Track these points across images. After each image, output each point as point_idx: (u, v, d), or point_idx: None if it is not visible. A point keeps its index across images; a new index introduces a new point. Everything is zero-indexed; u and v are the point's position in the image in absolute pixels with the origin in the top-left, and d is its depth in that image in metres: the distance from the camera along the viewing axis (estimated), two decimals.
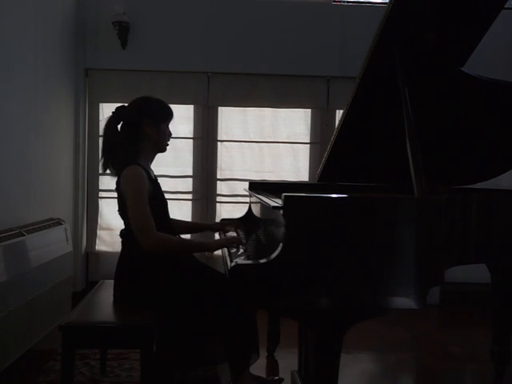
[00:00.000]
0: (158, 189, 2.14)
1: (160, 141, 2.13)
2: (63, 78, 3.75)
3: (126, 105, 2.13)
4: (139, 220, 1.92)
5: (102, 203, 4.11)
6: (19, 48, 2.98)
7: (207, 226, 2.64)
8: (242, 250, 2.00)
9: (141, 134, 2.08)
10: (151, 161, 2.18)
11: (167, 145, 2.19)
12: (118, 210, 2.09)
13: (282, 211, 1.61)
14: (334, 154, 2.47)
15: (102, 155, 2.09)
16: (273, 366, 2.74)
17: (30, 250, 2.66)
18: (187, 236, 2.92)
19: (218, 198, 4.15)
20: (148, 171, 2.07)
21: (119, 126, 2.10)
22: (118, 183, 2.04)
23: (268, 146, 4.16)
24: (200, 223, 2.77)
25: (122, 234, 2.11)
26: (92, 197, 4.10)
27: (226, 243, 2.05)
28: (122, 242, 2.11)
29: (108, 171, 2.11)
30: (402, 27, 1.92)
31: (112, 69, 4.02)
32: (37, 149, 3.25)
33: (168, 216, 2.20)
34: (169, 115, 2.16)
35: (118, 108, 2.11)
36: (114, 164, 2.07)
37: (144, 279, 2.00)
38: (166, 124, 2.15)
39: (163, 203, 2.15)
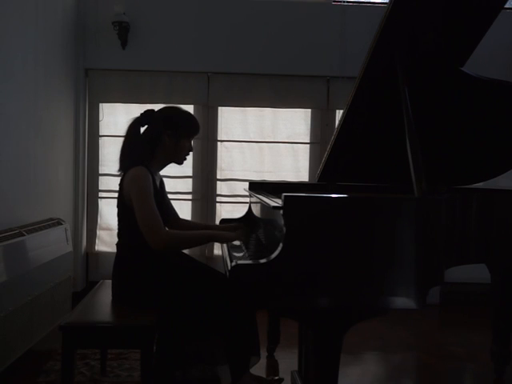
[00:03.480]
0: (158, 196, 2.14)
1: (176, 154, 2.14)
2: (63, 77, 3.75)
3: (155, 109, 2.14)
4: (147, 219, 1.92)
5: (101, 203, 4.11)
6: (19, 48, 2.98)
7: (215, 228, 2.62)
8: (244, 250, 2.01)
9: (160, 143, 2.09)
10: (161, 168, 2.19)
11: (185, 159, 2.19)
12: (117, 206, 2.09)
13: (281, 211, 1.61)
14: (334, 153, 2.46)
15: (120, 154, 2.11)
16: (273, 366, 2.74)
17: (29, 250, 2.66)
18: None
19: (218, 198, 4.15)
20: (154, 177, 2.07)
21: (142, 128, 2.12)
22: (122, 181, 2.05)
23: (268, 145, 4.16)
24: (210, 225, 2.77)
25: (119, 234, 2.11)
26: (92, 197, 4.10)
27: (233, 237, 2.07)
28: (118, 242, 2.11)
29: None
30: (402, 27, 1.92)
31: (112, 69, 4.02)
32: (37, 149, 3.25)
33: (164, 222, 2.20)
34: (192, 132, 2.16)
35: (146, 111, 2.13)
36: (124, 163, 2.07)
37: (143, 279, 2.00)
38: (188, 139, 2.15)
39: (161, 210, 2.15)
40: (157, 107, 4.14)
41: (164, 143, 2.10)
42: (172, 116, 2.13)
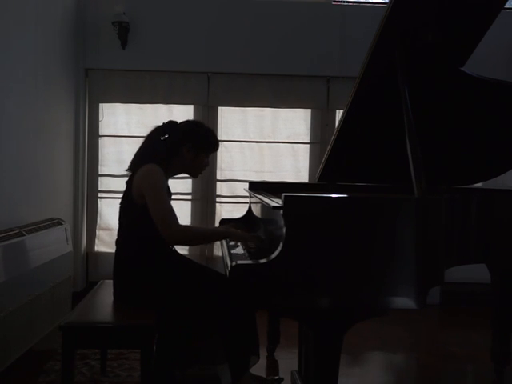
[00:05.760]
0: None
1: (193, 167, 2.17)
2: (63, 78, 3.75)
3: (178, 122, 2.16)
4: (163, 212, 1.93)
5: (101, 203, 4.11)
6: (19, 48, 2.98)
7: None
8: (244, 250, 2.01)
9: (178, 153, 2.11)
10: (172, 176, 2.20)
11: (200, 173, 2.21)
12: (121, 204, 2.09)
13: (281, 211, 1.61)
14: (334, 153, 2.47)
15: (134, 157, 2.11)
16: (273, 366, 2.74)
17: (29, 250, 2.66)
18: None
19: (218, 199, 4.15)
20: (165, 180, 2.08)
21: (162, 138, 2.12)
22: (131, 177, 2.05)
23: (268, 145, 4.16)
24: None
25: (120, 231, 2.11)
26: (92, 197, 4.10)
27: (247, 237, 2.07)
28: (118, 240, 2.11)
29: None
30: (402, 27, 1.92)
31: (112, 69, 4.02)
32: (37, 149, 3.25)
33: None
34: (211, 148, 2.19)
35: (169, 121, 2.15)
36: (137, 162, 2.07)
37: (143, 279, 2.00)
38: (206, 155, 2.17)
39: None
40: (157, 107, 4.16)
41: (182, 155, 2.11)
42: (194, 130, 2.15)
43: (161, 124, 2.14)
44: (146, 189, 1.96)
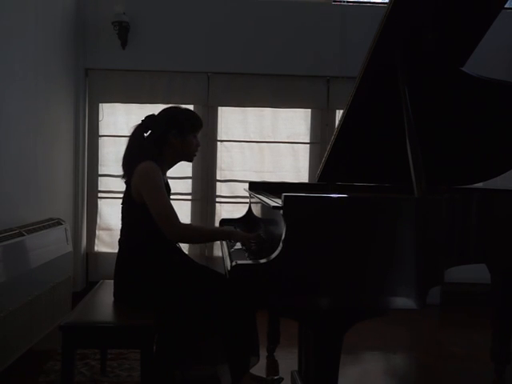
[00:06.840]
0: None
1: (185, 151, 2.15)
2: (63, 77, 3.75)
3: (156, 114, 2.15)
4: (164, 210, 1.94)
5: (101, 203, 4.11)
6: (19, 48, 2.98)
7: None
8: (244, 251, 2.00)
9: (166, 143, 2.10)
10: (169, 168, 2.19)
11: (194, 155, 2.20)
12: (122, 204, 2.09)
13: (281, 211, 1.61)
14: (334, 154, 2.47)
15: (123, 161, 2.10)
16: (273, 366, 2.74)
17: (29, 250, 2.66)
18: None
19: (218, 199, 4.15)
20: (162, 175, 2.07)
21: (145, 134, 2.12)
22: (129, 178, 2.04)
23: (268, 145, 4.16)
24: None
25: (122, 230, 2.11)
26: (92, 197, 4.10)
27: (249, 236, 2.06)
28: (121, 239, 2.11)
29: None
30: (402, 27, 1.92)
31: (112, 69, 4.02)
32: (37, 148, 3.25)
33: None
34: (196, 126, 2.16)
35: (147, 117, 2.13)
36: (129, 166, 2.05)
37: (144, 278, 2.00)
38: (193, 135, 2.15)
39: None
40: (157, 107, 4.14)
41: (170, 143, 2.10)
42: (173, 115, 2.14)
43: (140, 122, 2.12)
44: (144, 187, 1.96)
